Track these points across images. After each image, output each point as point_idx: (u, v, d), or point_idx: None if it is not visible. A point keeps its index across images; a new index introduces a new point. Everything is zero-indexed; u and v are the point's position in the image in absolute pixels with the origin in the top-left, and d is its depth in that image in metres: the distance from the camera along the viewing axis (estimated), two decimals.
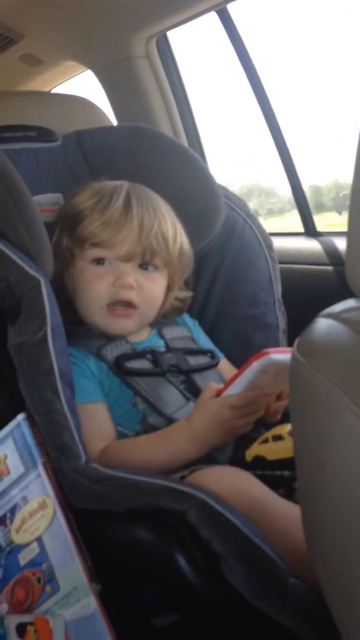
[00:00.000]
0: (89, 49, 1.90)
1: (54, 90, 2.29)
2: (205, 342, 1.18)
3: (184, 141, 1.87)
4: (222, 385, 0.96)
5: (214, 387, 0.96)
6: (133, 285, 1.02)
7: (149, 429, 0.99)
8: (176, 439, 0.94)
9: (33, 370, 0.90)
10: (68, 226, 1.06)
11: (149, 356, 1.05)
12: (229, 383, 0.93)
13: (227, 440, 0.96)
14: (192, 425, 0.94)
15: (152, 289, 1.06)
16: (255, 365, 0.89)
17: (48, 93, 2.15)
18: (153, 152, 1.21)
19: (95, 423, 0.97)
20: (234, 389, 0.92)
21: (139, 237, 1.02)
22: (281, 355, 0.89)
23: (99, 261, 1.03)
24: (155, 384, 1.01)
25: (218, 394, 0.94)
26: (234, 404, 0.92)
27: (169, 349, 1.09)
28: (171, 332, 1.13)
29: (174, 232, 1.07)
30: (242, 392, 0.92)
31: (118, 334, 1.05)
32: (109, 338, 1.05)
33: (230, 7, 1.61)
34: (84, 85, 2.18)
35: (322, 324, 0.55)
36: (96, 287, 1.03)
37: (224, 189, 1.26)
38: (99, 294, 1.02)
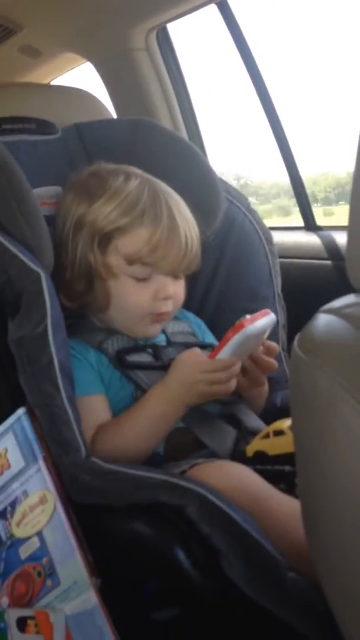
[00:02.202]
0: (88, 41, 1.89)
1: (53, 83, 2.29)
2: (212, 342, 1.17)
3: (183, 134, 1.87)
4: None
5: (197, 351, 0.98)
6: (172, 297, 1.04)
7: None
8: (154, 402, 0.96)
9: (33, 364, 0.90)
10: (100, 238, 1.01)
11: (150, 350, 1.05)
12: (212, 356, 0.95)
13: (204, 401, 0.98)
14: (167, 386, 0.96)
15: (181, 294, 1.07)
16: (233, 339, 0.92)
17: (47, 85, 2.14)
18: (153, 145, 1.21)
19: (94, 415, 0.97)
20: (250, 329, 0.94)
21: (185, 253, 1.02)
22: (256, 323, 0.94)
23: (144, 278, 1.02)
24: (156, 377, 1.00)
25: (236, 329, 0.94)
26: (204, 368, 0.94)
27: (170, 343, 1.09)
28: (172, 326, 1.13)
29: (198, 237, 1.06)
30: (213, 359, 0.94)
31: (149, 337, 1.07)
32: (110, 332, 1.05)
33: None
34: (83, 77, 2.17)
35: (323, 320, 0.55)
36: (139, 300, 1.02)
37: (224, 183, 1.26)
38: (143, 306, 1.02)
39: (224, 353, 0.93)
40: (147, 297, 1.02)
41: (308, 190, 1.74)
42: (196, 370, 0.94)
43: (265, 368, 1.02)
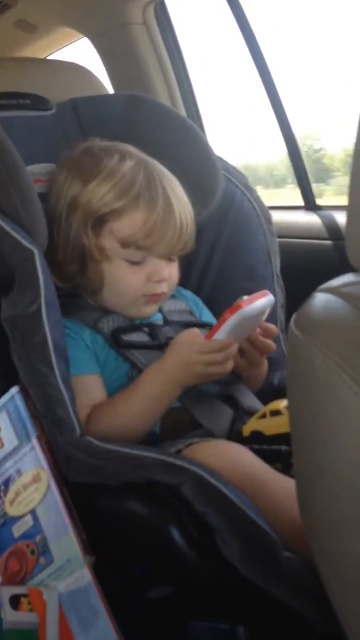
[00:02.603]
0: (85, 15, 1.86)
1: (49, 58, 2.25)
2: (210, 319, 1.17)
3: (181, 111, 1.84)
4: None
5: (196, 332, 0.96)
6: (166, 278, 1.03)
7: None
8: (150, 382, 0.95)
9: (27, 343, 0.89)
10: (94, 221, 1.00)
11: (146, 329, 1.04)
12: (208, 337, 0.94)
13: (201, 382, 0.97)
14: (164, 366, 0.95)
15: (175, 275, 1.06)
16: (230, 319, 0.91)
17: (43, 60, 2.11)
18: (150, 121, 1.19)
19: (89, 394, 0.96)
20: (247, 310, 0.93)
21: (179, 236, 1.01)
22: (254, 304, 0.93)
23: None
24: (152, 356, 1.00)
25: (233, 309, 0.93)
26: (202, 348, 0.92)
27: (166, 322, 1.08)
28: (169, 305, 1.12)
29: (193, 218, 1.05)
30: (211, 340, 0.93)
31: (144, 317, 1.06)
32: (106, 311, 1.04)
33: None
34: (80, 53, 2.14)
35: (320, 299, 0.54)
36: (133, 283, 1.01)
37: (222, 161, 1.24)
38: (136, 288, 1.02)
39: (221, 334, 0.92)
40: (140, 279, 1.01)
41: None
42: (193, 351, 0.93)
43: (263, 350, 1.02)
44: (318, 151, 2.55)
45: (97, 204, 0.99)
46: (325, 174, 2.47)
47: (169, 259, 1.04)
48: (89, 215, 1.00)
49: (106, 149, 1.05)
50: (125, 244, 0.99)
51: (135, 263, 1.01)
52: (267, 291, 0.97)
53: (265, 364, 1.08)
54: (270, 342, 1.02)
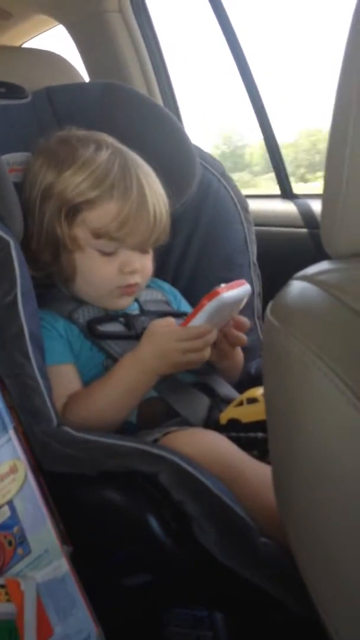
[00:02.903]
0: (60, 2, 1.83)
1: (24, 46, 2.22)
2: (187, 310, 1.16)
3: (158, 99, 1.83)
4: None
5: (170, 320, 0.96)
6: (139, 270, 1.02)
7: None
8: (125, 372, 0.94)
9: (3, 333, 0.89)
10: (68, 210, 0.99)
11: (122, 319, 1.04)
12: (185, 324, 0.93)
13: (177, 371, 0.96)
14: (139, 355, 0.94)
15: (149, 267, 1.05)
16: (207, 306, 0.91)
17: (17, 48, 2.08)
18: (126, 110, 1.18)
19: (64, 384, 0.96)
20: (224, 298, 0.92)
21: (153, 228, 1.01)
22: (231, 292, 0.92)
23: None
24: (128, 347, 0.99)
25: (210, 296, 0.92)
26: (179, 336, 0.92)
27: (143, 312, 1.08)
28: (145, 295, 1.12)
29: (167, 210, 1.04)
30: (188, 327, 0.92)
31: (119, 309, 1.05)
32: (81, 302, 1.04)
33: None
34: (56, 40, 2.11)
35: (296, 287, 0.54)
36: (105, 273, 1.00)
37: (199, 149, 1.24)
38: (108, 280, 1.01)
39: (198, 320, 0.92)
40: (112, 270, 1.00)
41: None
42: (170, 339, 0.93)
43: (234, 342, 1.01)
44: (242, 148, 3.00)
45: (72, 193, 0.99)
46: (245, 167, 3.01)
47: (143, 251, 1.03)
48: (63, 204, 0.99)
49: (82, 139, 1.04)
50: (97, 234, 0.99)
51: (107, 254, 1.00)
52: (244, 280, 0.97)
53: (239, 356, 1.08)
54: (241, 335, 1.01)
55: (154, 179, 1.03)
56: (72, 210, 0.99)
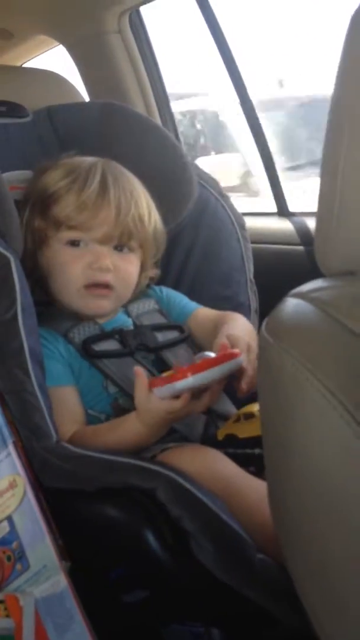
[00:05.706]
0: (61, 23, 1.86)
1: (25, 65, 2.25)
2: (179, 304, 1.15)
3: (156, 119, 1.85)
4: (186, 366, 0.88)
5: (152, 397, 0.88)
6: (110, 268, 1.01)
7: (120, 411, 0.98)
8: (128, 430, 0.91)
9: (3, 349, 0.89)
10: (40, 206, 1.03)
11: (117, 336, 1.04)
12: (196, 369, 0.85)
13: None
14: (139, 419, 0.90)
15: (127, 270, 1.04)
16: (226, 365, 0.87)
17: (18, 67, 2.11)
18: (125, 129, 1.20)
19: (66, 407, 0.96)
20: (197, 379, 0.85)
21: (116, 219, 1.01)
22: (214, 369, 0.86)
23: (75, 243, 1.01)
24: (123, 365, 1.00)
25: (182, 373, 0.85)
26: (169, 409, 0.87)
27: (136, 326, 1.08)
28: (137, 307, 1.11)
29: (149, 213, 1.05)
30: (174, 400, 0.86)
31: (93, 314, 1.04)
32: (78, 319, 1.04)
33: None
34: (56, 60, 2.14)
35: (290, 304, 0.55)
36: (72, 269, 1.01)
37: (197, 167, 1.25)
38: (76, 276, 1.01)
39: (184, 384, 0.85)
40: (80, 265, 1.00)
41: None
42: (161, 413, 0.87)
43: (249, 391, 0.93)
44: None
45: (43, 187, 1.04)
46: None
47: (116, 249, 1.03)
48: (37, 199, 1.04)
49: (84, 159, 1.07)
50: (57, 222, 1.01)
51: (74, 245, 1.01)
52: (238, 351, 0.90)
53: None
54: (249, 383, 0.92)
55: (130, 182, 1.05)
56: (43, 205, 1.03)
